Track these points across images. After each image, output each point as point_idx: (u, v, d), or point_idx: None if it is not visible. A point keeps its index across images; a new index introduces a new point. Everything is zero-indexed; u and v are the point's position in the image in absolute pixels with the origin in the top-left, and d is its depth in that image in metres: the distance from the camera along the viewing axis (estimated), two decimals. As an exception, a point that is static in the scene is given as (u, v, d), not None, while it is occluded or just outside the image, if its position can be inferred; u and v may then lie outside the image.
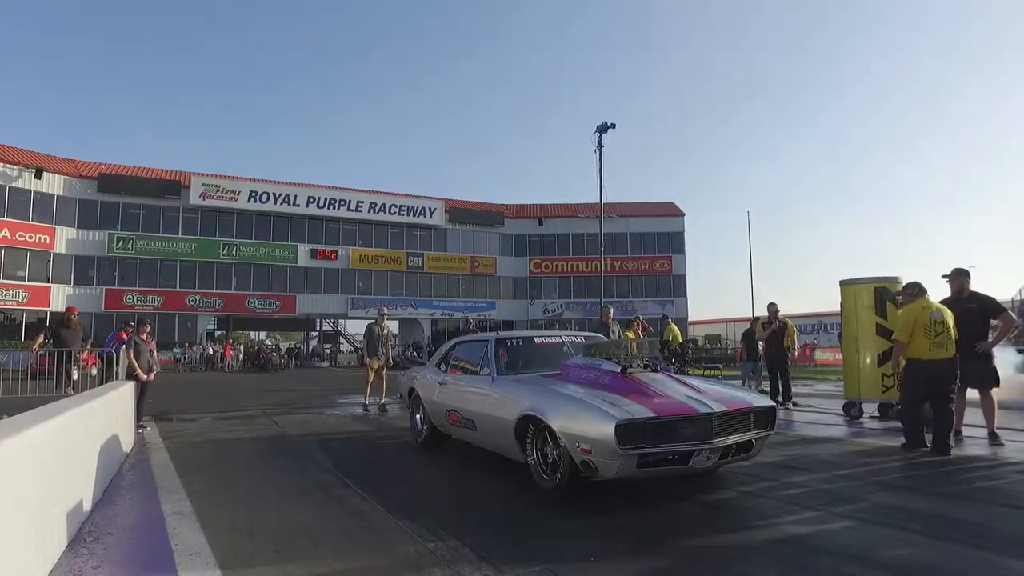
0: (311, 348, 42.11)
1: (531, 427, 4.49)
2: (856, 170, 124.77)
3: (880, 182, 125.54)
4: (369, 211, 40.14)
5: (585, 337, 6.29)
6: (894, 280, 8.24)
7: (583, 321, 37.29)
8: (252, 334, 51.84)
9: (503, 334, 6.15)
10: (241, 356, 33.58)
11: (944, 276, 6.55)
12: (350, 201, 39.68)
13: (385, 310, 11.06)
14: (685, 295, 44.21)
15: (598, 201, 19.76)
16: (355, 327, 47.80)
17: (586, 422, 3.95)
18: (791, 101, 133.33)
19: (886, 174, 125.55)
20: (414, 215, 41.32)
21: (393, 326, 46.91)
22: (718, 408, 4.09)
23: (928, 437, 5.81)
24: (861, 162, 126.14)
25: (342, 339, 44.62)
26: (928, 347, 5.79)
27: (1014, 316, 6.39)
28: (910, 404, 6.03)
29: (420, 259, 41.28)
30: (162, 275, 35.36)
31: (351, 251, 39.62)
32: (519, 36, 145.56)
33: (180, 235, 35.95)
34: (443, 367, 6.40)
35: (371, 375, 10.20)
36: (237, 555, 3.19)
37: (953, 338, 5.85)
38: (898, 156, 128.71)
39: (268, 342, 42.32)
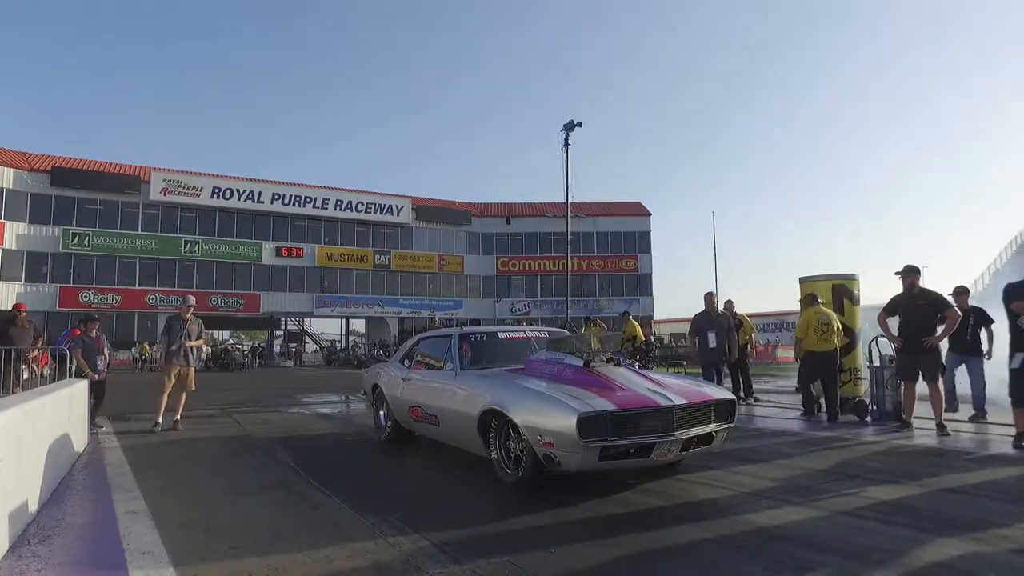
0: (276, 347, 41.48)
1: (494, 421, 4.46)
2: (821, 171, 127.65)
3: (842, 183, 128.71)
4: (335, 209, 39.69)
5: (549, 332, 6.27)
6: (851, 277, 8.46)
7: (550, 320, 37.44)
8: (215, 333, 50.90)
9: (467, 329, 6.09)
10: (203, 355, 32.90)
11: (897, 273, 6.78)
12: (316, 198, 39.17)
13: (192, 300, 8.48)
14: (651, 294, 44.79)
15: (565, 200, 19.88)
16: (321, 326, 47.37)
17: (548, 415, 3.95)
18: (760, 102, 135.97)
19: (849, 175, 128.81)
20: (381, 213, 40.99)
21: (359, 325, 46.69)
22: (679, 401, 4.11)
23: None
24: (827, 163, 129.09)
25: (307, 338, 44.06)
26: (816, 341, 7.47)
27: (959, 312, 6.69)
28: (805, 382, 7.76)
29: (387, 257, 40.97)
30: (120, 272, 34.39)
31: (317, 249, 39.12)
32: (488, 34, 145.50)
33: (140, 231, 35.02)
34: (407, 363, 6.32)
35: (168, 384, 7.81)
36: (192, 552, 3.12)
37: (836, 334, 7.43)
38: (863, 158, 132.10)
39: (232, 341, 41.59)
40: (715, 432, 4.35)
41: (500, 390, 4.55)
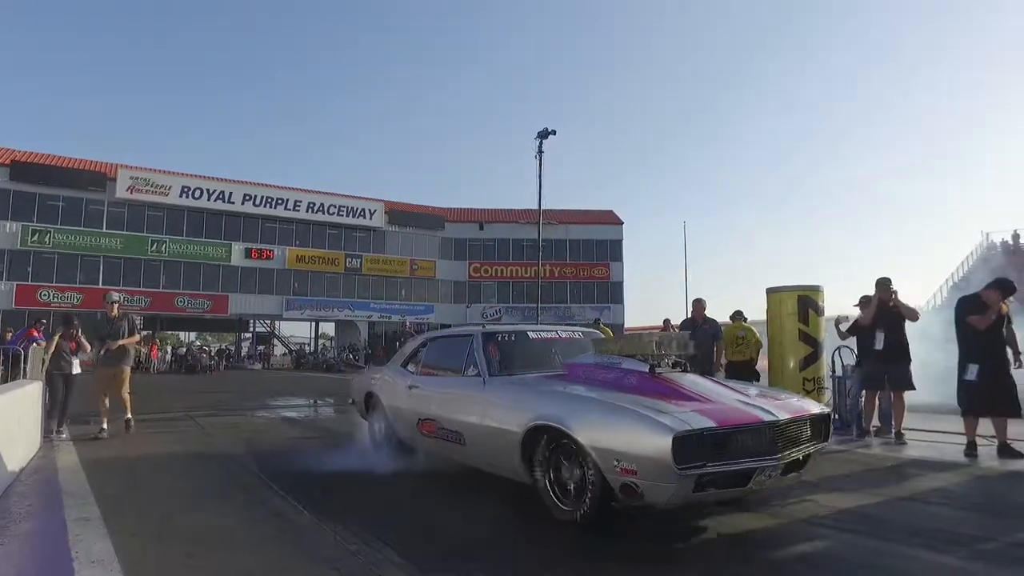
0: (244, 349, 40.84)
1: (544, 441, 3.66)
2: (799, 181, 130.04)
3: (818, 193, 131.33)
4: (307, 211, 39.19)
5: (583, 332, 5.51)
6: (816, 288, 8.63)
7: (523, 326, 37.37)
8: (181, 335, 49.97)
9: (491, 328, 5.21)
10: (168, 357, 32.35)
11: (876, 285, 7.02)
12: (288, 200, 38.66)
13: (115, 296, 7.80)
14: (622, 302, 45.05)
15: (537, 207, 19.99)
16: (290, 329, 46.71)
17: (629, 434, 3.17)
18: (734, 112, 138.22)
19: (825, 186, 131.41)
20: (353, 216, 40.62)
21: (329, 328, 46.12)
22: (782, 415, 3.41)
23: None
24: (806, 172, 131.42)
25: (276, 341, 43.49)
26: (733, 352, 8.60)
27: (919, 315, 6.94)
28: None
29: (358, 261, 40.59)
30: (83, 271, 33.44)
31: (287, 251, 38.57)
32: (465, 41, 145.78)
33: (104, 230, 34.12)
34: (412, 368, 5.56)
35: (102, 388, 7.46)
36: (145, 561, 3.04)
37: (752, 348, 8.56)
38: (840, 169, 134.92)
39: (198, 343, 40.85)
40: (808, 454, 3.60)
41: (552, 401, 3.78)
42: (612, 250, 45.55)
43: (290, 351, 42.08)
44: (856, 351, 7.78)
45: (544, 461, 3.65)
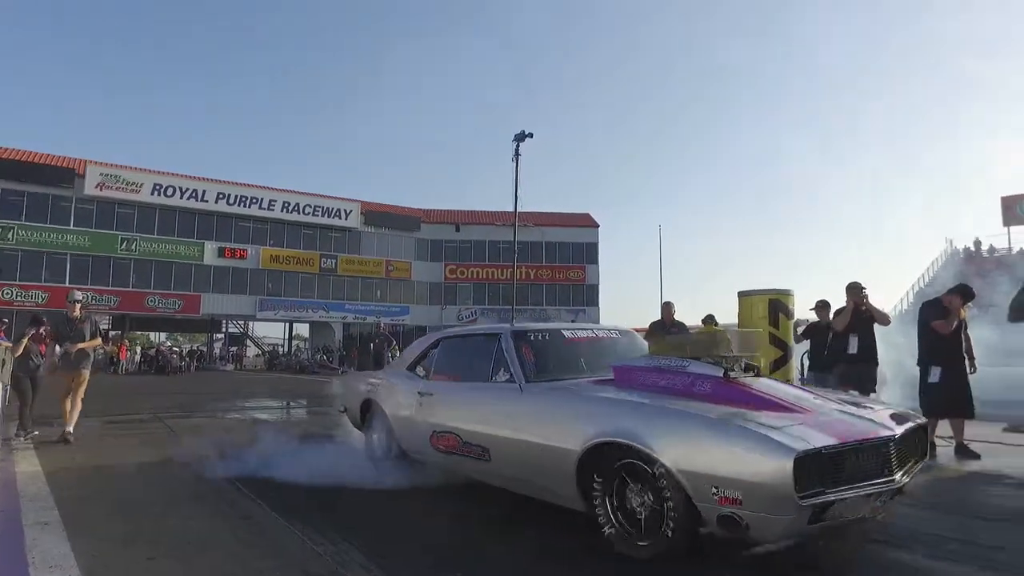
0: (216, 350, 40.27)
1: (607, 460, 3.09)
2: (780, 185, 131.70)
3: (800, 198, 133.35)
4: (282, 210, 38.83)
5: (620, 331, 4.91)
6: (786, 293, 8.78)
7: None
8: (152, 335, 49.14)
9: (520, 325, 4.57)
10: (138, 357, 31.80)
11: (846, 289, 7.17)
12: (262, 199, 38.24)
13: (78, 295, 7.42)
14: (597, 304, 45.39)
15: (514, 210, 20.02)
16: (263, 330, 46.17)
17: (731, 454, 2.63)
18: (719, 114, 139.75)
19: (786, 193, 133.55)
20: (329, 216, 40.33)
21: (303, 329, 45.65)
22: (897, 429, 2.96)
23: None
24: (790, 176, 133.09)
25: (249, 342, 42.96)
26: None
27: (890, 320, 7.13)
28: None
29: (333, 261, 40.30)
30: (48, 269, 32.69)
31: (261, 251, 38.16)
32: (445, 42, 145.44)
33: (72, 227, 33.40)
34: (420, 372, 5.01)
35: (66, 390, 7.04)
36: (108, 565, 2.98)
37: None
38: (822, 172, 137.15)
39: (168, 343, 40.21)
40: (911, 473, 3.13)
41: (619, 412, 3.20)
42: (588, 253, 45.87)
43: (263, 352, 41.62)
44: (810, 353, 8.00)
45: (606, 485, 3.09)
